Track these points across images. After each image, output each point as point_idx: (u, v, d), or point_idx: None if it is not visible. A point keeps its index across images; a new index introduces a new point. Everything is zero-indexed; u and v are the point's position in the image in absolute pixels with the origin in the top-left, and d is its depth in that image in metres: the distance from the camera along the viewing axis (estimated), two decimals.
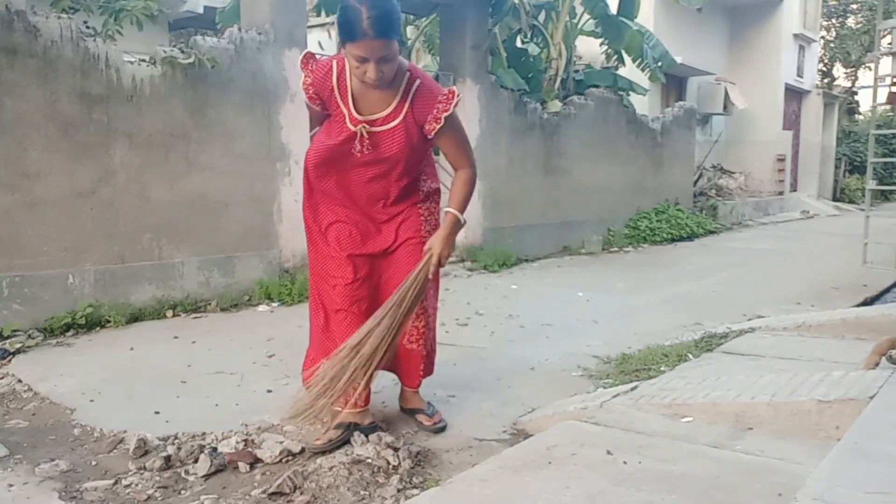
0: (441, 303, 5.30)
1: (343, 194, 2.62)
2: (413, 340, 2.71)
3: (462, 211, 2.57)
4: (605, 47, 9.25)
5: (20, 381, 3.37)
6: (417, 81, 2.47)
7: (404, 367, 2.80)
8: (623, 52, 9.03)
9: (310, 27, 7.31)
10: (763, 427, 2.35)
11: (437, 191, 2.75)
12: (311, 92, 2.54)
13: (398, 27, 2.33)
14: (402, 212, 2.65)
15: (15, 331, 4.00)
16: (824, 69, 19.49)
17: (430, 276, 2.52)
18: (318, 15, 8.75)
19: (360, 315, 2.59)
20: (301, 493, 2.21)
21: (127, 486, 2.29)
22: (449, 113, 2.47)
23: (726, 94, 13.51)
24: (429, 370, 2.88)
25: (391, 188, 2.60)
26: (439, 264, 2.53)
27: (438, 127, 2.47)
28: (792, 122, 16.49)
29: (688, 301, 5.48)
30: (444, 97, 2.47)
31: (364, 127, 2.46)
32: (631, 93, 9.58)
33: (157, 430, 2.74)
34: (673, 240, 9.46)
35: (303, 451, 2.54)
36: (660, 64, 9.14)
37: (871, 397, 2.23)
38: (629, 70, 9.63)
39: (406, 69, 2.47)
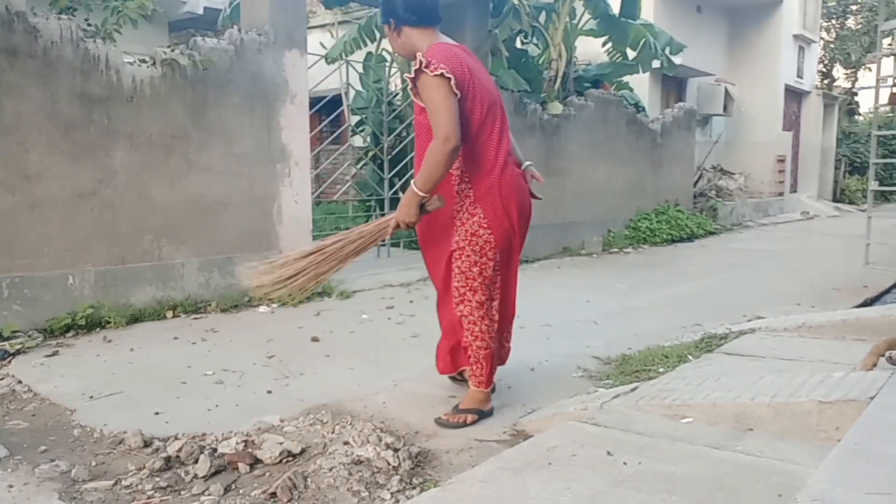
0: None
1: None
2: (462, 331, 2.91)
3: (420, 183, 2.63)
4: (609, 48, 9.24)
5: (20, 381, 3.37)
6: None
7: None
8: (631, 47, 9.02)
9: (310, 28, 7.33)
10: (763, 428, 2.35)
11: (473, 178, 2.78)
12: None
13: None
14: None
15: (15, 332, 4.00)
16: (824, 70, 19.46)
17: (382, 235, 2.82)
18: (329, 9, 8.75)
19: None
20: (301, 494, 2.21)
21: (127, 487, 2.29)
22: (411, 75, 2.64)
23: (727, 93, 13.50)
24: (470, 363, 2.92)
25: None
26: (389, 229, 2.76)
27: (410, 87, 2.67)
28: (792, 122, 16.48)
29: (688, 302, 5.48)
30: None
31: None
32: (629, 91, 9.59)
33: (157, 430, 2.74)
34: (673, 241, 9.46)
35: (303, 451, 2.54)
36: (668, 50, 9.13)
37: (872, 398, 2.23)
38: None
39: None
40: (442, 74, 2.58)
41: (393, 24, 2.83)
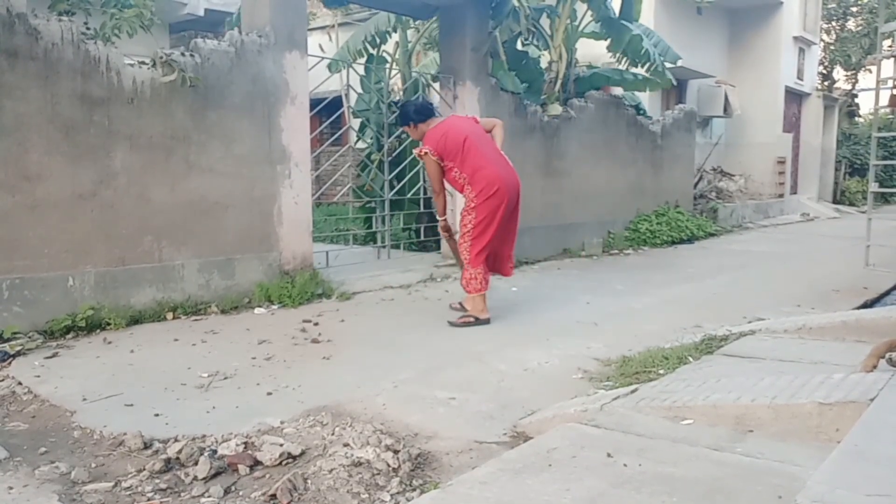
0: (437, 302, 5.34)
1: None
2: None
3: (438, 212, 5.04)
4: (615, 52, 9.23)
5: (20, 383, 3.37)
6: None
7: None
8: (631, 56, 9.00)
9: (310, 30, 7.32)
10: (763, 429, 2.35)
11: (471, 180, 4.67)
12: None
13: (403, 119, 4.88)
14: None
15: (15, 333, 4.00)
16: (824, 72, 19.46)
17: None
18: (329, 8, 8.73)
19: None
20: (301, 496, 2.21)
21: (127, 489, 2.29)
22: (420, 152, 4.73)
23: (726, 96, 13.52)
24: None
25: None
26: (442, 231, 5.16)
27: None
28: (792, 124, 16.48)
29: (688, 303, 5.48)
30: None
31: None
32: (638, 92, 9.56)
33: (157, 432, 2.74)
34: (673, 242, 9.46)
35: (303, 453, 2.54)
36: (663, 58, 9.12)
37: (872, 400, 2.23)
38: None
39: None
40: (427, 153, 4.58)
41: (412, 125, 4.76)
